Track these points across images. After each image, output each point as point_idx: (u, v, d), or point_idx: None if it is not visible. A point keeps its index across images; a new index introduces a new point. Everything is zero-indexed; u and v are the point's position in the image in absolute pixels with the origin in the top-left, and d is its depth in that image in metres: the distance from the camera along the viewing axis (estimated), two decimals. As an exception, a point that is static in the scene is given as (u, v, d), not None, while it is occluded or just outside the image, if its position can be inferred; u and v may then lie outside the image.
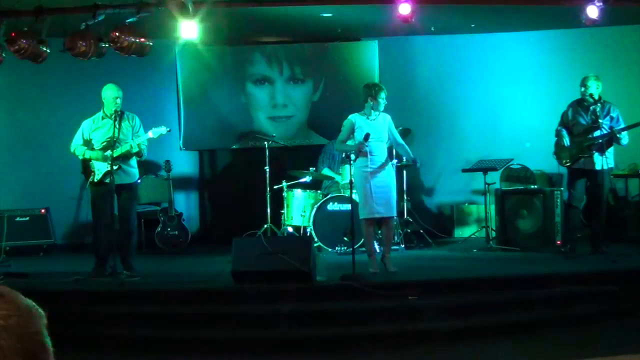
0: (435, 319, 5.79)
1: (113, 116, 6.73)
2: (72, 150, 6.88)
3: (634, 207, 8.59)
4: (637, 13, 8.47)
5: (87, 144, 6.83)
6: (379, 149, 6.64)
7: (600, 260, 6.97)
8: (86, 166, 6.87)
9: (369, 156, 6.58)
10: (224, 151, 10.11)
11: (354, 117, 6.76)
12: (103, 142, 6.73)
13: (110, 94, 6.75)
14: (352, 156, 6.54)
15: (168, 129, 6.97)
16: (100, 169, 6.73)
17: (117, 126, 6.71)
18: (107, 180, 6.64)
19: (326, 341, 5.52)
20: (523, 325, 5.69)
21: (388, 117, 6.79)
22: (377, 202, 6.57)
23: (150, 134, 6.81)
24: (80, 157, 6.86)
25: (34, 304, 1.31)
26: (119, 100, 6.75)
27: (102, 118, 6.81)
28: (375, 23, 8.81)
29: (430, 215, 9.87)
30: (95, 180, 6.77)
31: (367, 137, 6.48)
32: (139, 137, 6.81)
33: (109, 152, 6.62)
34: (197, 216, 10.06)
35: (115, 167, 6.62)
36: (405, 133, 8.75)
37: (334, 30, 9.36)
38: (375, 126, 6.65)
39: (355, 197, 7.23)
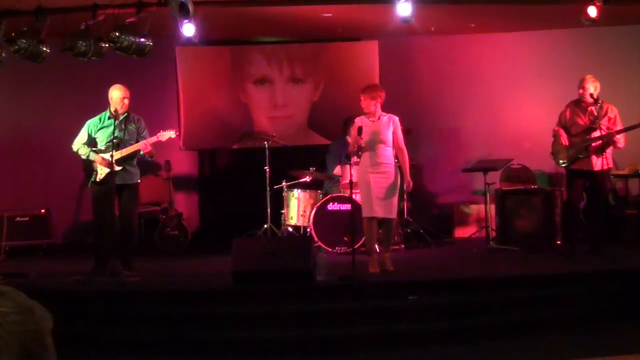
0: (436, 319, 5.79)
1: (119, 116, 6.74)
2: (75, 149, 6.83)
3: (634, 207, 8.59)
4: (637, 13, 8.47)
5: (91, 142, 6.84)
6: (380, 152, 6.65)
7: (600, 260, 6.96)
8: (89, 165, 6.86)
9: (370, 158, 6.61)
10: (224, 151, 10.11)
11: (358, 120, 6.79)
12: (108, 142, 6.72)
13: (118, 94, 6.74)
14: (358, 153, 6.56)
15: (177, 133, 7.01)
16: (103, 168, 6.72)
17: (124, 127, 6.75)
18: (110, 181, 6.65)
19: (326, 341, 5.52)
20: (523, 325, 5.68)
21: (395, 118, 6.79)
22: (377, 202, 6.58)
23: (159, 137, 6.84)
24: (84, 157, 6.85)
25: (38, 305, 1.31)
26: (126, 101, 6.77)
27: (109, 118, 6.80)
28: (375, 23, 8.81)
29: (431, 215, 9.88)
30: (98, 180, 6.76)
31: (359, 130, 6.55)
32: (143, 138, 6.83)
33: (108, 154, 6.62)
34: (197, 216, 10.06)
35: (119, 168, 6.66)
36: (405, 133, 8.76)
37: (334, 30, 9.36)
38: (376, 127, 6.67)
39: (355, 196, 7.24)
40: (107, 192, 6.69)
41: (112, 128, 6.70)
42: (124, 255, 6.81)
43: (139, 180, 7.00)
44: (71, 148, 6.87)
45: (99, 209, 6.80)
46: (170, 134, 6.93)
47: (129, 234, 6.88)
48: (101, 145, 6.76)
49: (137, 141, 6.79)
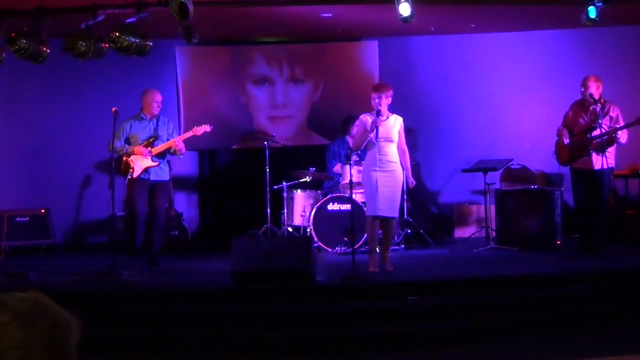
0: (436, 319, 5.79)
1: (152, 117, 7.25)
2: (110, 149, 7.08)
3: (634, 207, 8.59)
4: (637, 13, 8.47)
5: (126, 142, 7.21)
6: (387, 150, 6.66)
7: (600, 260, 6.96)
8: (126, 164, 7.13)
9: (377, 156, 6.62)
10: (224, 151, 10.11)
11: (364, 117, 6.79)
12: (144, 140, 7.14)
13: (152, 97, 7.22)
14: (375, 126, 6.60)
15: (211, 127, 7.46)
16: (138, 165, 7.09)
17: (157, 126, 7.23)
18: (145, 177, 7.10)
19: (326, 341, 5.52)
20: (523, 325, 5.68)
21: (400, 119, 6.81)
22: (381, 200, 6.59)
23: (194, 131, 7.27)
24: (121, 154, 7.16)
25: (67, 313, 1.27)
26: (155, 104, 7.23)
27: (142, 119, 7.20)
28: (375, 23, 8.81)
29: (431, 215, 9.88)
30: (135, 177, 7.09)
31: (378, 112, 6.59)
32: (173, 137, 7.29)
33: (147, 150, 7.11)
34: (197, 216, 10.05)
35: (155, 163, 7.12)
36: (405, 133, 8.76)
37: (334, 30, 9.36)
38: (384, 126, 6.67)
39: (355, 196, 7.24)
40: (142, 189, 7.14)
41: (147, 127, 7.16)
42: (154, 250, 7.25)
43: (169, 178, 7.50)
44: (107, 149, 7.19)
45: (135, 205, 7.18)
46: (205, 128, 7.34)
47: (159, 230, 7.32)
48: (135, 144, 7.14)
49: (169, 139, 7.23)
